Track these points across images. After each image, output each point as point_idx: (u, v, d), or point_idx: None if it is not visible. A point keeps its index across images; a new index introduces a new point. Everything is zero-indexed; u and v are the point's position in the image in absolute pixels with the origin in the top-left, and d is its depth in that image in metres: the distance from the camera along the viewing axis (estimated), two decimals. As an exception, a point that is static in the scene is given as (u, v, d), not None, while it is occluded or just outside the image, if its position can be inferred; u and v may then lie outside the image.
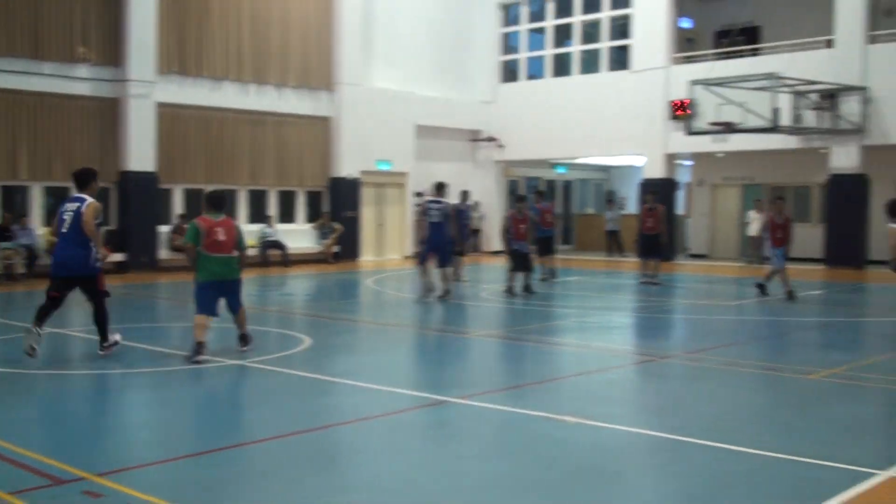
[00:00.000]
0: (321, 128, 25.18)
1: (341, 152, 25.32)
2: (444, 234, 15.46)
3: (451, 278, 15.68)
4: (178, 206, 22.54)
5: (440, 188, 16.00)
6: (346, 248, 25.25)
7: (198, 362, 9.27)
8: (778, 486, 5.53)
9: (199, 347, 9.42)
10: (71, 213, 9.32)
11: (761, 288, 15.93)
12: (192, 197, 22.83)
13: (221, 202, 10.04)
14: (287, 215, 25.00)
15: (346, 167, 25.39)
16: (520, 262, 16.51)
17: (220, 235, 9.73)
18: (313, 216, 25.45)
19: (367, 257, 26.06)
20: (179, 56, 22.14)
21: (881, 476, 5.64)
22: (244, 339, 10.10)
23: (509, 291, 16.31)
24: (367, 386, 8.46)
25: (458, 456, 6.21)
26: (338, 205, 25.38)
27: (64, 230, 9.32)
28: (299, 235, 24.76)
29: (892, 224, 11.34)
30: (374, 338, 12.34)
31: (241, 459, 6.11)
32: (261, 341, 10.40)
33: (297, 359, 9.88)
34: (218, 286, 9.86)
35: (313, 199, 25.61)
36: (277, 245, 23.42)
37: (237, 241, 9.90)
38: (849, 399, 8.08)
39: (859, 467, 5.80)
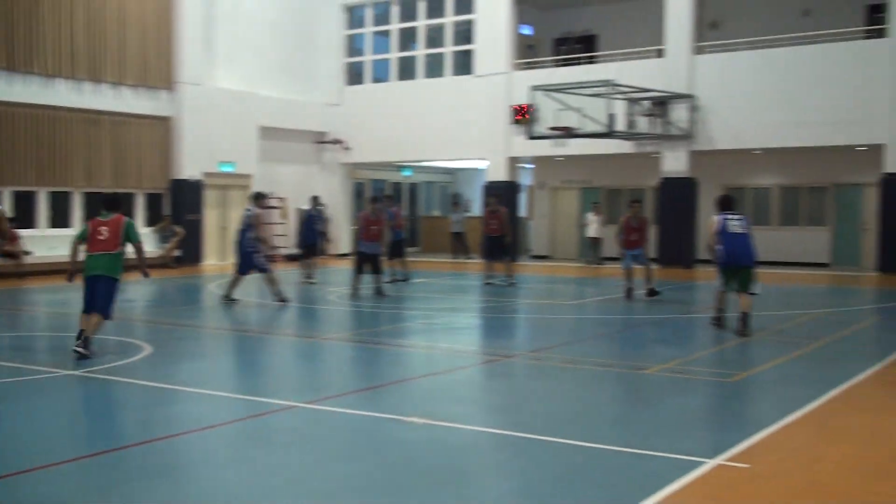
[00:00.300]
0: (161, 128, 24.46)
1: (182, 153, 24.68)
2: (245, 242, 15.40)
3: (277, 283, 15.43)
4: (6, 209, 21.41)
5: (256, 197, 15.95)
6: (188, 252, 24.62)
7: (82, 352, 9.61)
8: (614, 478, 5.80)
9: (80, 334, 9.77)
10: None
11: (651, 292, 16.21)
12: (21, 199, 21.74)
13: (112, 203, 10.63)
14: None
15: (188, 169, 24.77)
16: (368, 264, 16.53)
17: (103, 234, 10.18)
18: (154, 219, 24.69)
19: (210, 261, 25.50)
20: (7, 51, 21.00)
21: (709, 464, 6.00)
22: (85, 340, 9.73)
23: (355, 294, 16.33)
24: (211, 393, 8.31)
25: (306, 461, 6.20)
26: (179, 207, 24.72)
27: None
28: (139, 239, 23.92)
29: (714, 217, 12.27)
30: (218, 344, 12.11)
31: (79, 474, 5.89)
32: (99, 349, 10.03)
33: (138, 367, 9.58)
34: (94, 281, 10.06)
35: (153, 202, 24.85)
36: (115, 249, 22.58)
37: (124, 238, 10.24)
38: (679, 392, 8.54)
39: (689, 456, 6.14)
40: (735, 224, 11.89)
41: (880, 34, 22.41)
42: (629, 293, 16.15)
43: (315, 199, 20.45)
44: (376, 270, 16.63)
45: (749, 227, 12.00)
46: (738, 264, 11.80)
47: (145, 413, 7.65)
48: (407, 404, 8.02)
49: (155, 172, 24.34)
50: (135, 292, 18.23)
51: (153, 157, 24.29)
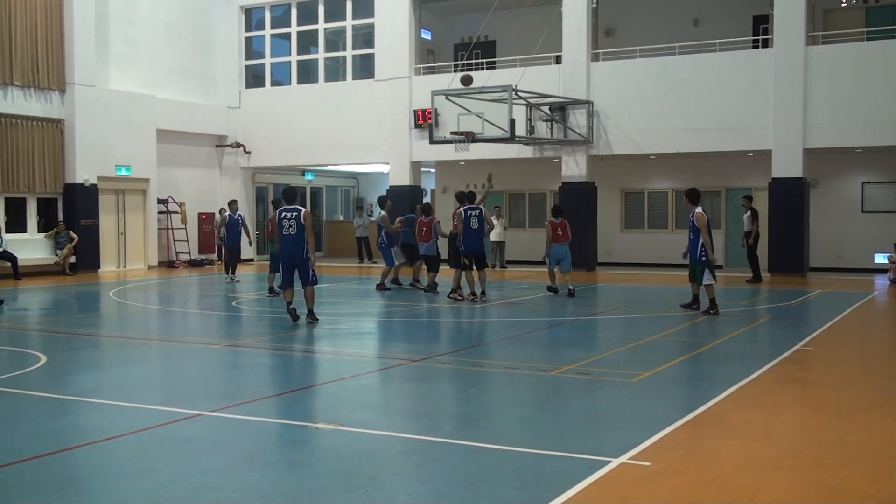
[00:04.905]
0: (53, 130, 23.68)
1: (76, 157, 23.94)
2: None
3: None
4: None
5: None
6: (85, 258, 23.91)
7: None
8: (522, 479, 5.86)
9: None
10: None
11: (550, 289, 17.40)
12: None
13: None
14: (17, 224, 23.29)
15: (83, 172, 24.04)
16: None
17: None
18: (48, 225, 23.90)
19: (108, 268, 24.82)
20: None
21: (615, 463, 6.13)
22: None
23: (271, 291, 17.24)
24: (112, 403, 8.09)
25: (211, 470, 6.10)
26: (74, 212, 23.97)
27: None
28: (31, 246, 23.18)
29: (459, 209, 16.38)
30: (118, 353, 11.78)
31: (-26, 490, 5.68)
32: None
33: (33, 378, 9.28)
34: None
35: (47, 207, 24.05)
36: (6, 256, 21.84)
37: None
38: (583, 393, 8.70)
39: (595, 456, 6.27)
40: (474, 218, 16.33)
41: (766, 44, 23.28)
42: (552, 289, 17.63)
43: (233, 204, 21.40)
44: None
45: (483, 220, 16.42)
46: (476, 252, 16.33)
47: (40, 425, 7.39)
48: (314, 410, 7.97)
49: (48, 176, 23.55)
50: (28, 301, 17.64)
51: (45, 161, 23.49)
